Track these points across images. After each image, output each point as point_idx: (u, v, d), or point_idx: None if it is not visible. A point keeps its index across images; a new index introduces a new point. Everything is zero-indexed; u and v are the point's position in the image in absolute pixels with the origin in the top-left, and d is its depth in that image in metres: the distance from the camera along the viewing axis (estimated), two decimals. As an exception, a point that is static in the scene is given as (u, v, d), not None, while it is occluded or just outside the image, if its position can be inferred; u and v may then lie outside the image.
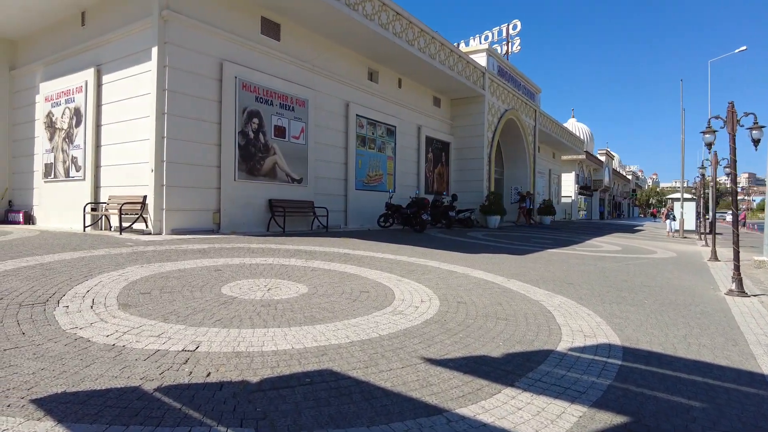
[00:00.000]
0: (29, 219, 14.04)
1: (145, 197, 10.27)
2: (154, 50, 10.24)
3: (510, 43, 32.30)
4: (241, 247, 8.65)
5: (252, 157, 12.02)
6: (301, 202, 13.36)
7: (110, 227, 11.37)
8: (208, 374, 3.06)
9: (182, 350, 3.43)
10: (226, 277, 5.92)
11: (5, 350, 3.35)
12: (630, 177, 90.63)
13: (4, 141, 15.01)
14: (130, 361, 3.22)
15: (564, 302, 5.73)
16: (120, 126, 11.19)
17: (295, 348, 3.57)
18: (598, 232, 23.16)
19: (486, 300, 5.55)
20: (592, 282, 7.38)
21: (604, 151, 58.56)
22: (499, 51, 27.21)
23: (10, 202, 15.07)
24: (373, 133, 16.87)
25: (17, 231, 11.18)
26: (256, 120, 12.10)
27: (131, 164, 10.86)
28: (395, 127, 18.16)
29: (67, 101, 12.45)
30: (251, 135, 11.99)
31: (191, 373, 3.07)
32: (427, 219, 15.16)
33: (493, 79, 22.83)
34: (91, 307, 4.36)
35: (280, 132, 12.84)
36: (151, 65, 10.32)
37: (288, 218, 12.64)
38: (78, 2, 12.02)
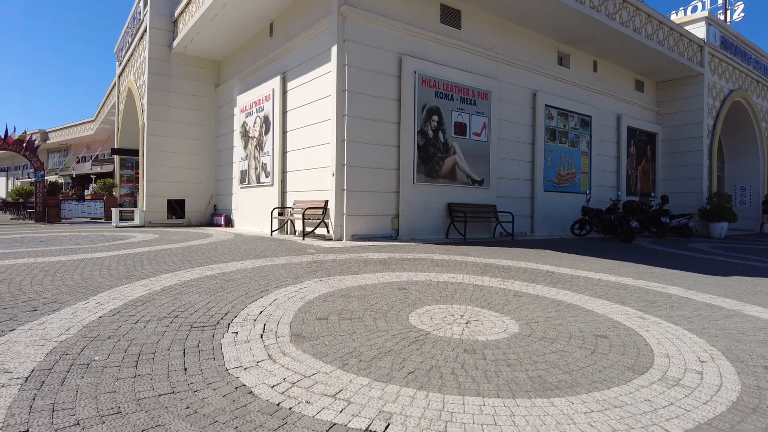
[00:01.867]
0: (229, 222, 15.26)
1: (326, 202, 9.99)
2: (334, 49, 9.90)
3: (729, 11, 26.51)
4: (423, 258, 7.61)
5: (431, 158, 11.05)
6: (482, 206, 11.99)
7: (294, 231, 11.47)
8: (407, 493, 1.87)
9: (366, 429, 2.32)
10: (413, 299, 4.84)
11: (160, 396, 2.64)
12: None
13: (212, 151, 16.67)
14: (296, 442, 2.21)
15: None
16: (303, 131, 11.20)
17: (537, 451, 2.21)
18: None
19: (813, 365, 3.47)
20: None
21: None
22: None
23: (215, 206, 16.68)
24: (564, 126, 14.69)
25: (216, 234, 11.97)
26: (435, 117, 11.10)
27: (314, 169, 10.75)
28: (590, 117, 15.63)
29: (257, 110, 13.07)
30: (430, 134, 11.03)
31: (381, 486, 1.91)
32: (636, 227, 12.47)
33: (715, 53, 18.50)
34: (261, 336, 3.60)
35: (461, 129, 11.65)
36: (331, 66, 10.00)
37: (468, 224, 11.38)
38: (267, 15, 12.49)
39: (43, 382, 2.75)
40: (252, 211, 13.68)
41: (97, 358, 3.12)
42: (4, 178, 48.09)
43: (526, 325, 4.14)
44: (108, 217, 19.73)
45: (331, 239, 9.89)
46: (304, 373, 2.95)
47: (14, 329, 3.66)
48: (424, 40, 11.12)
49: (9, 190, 32.57)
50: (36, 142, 23.64)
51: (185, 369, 3.00)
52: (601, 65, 16.36)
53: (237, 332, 3.67)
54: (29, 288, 5.06)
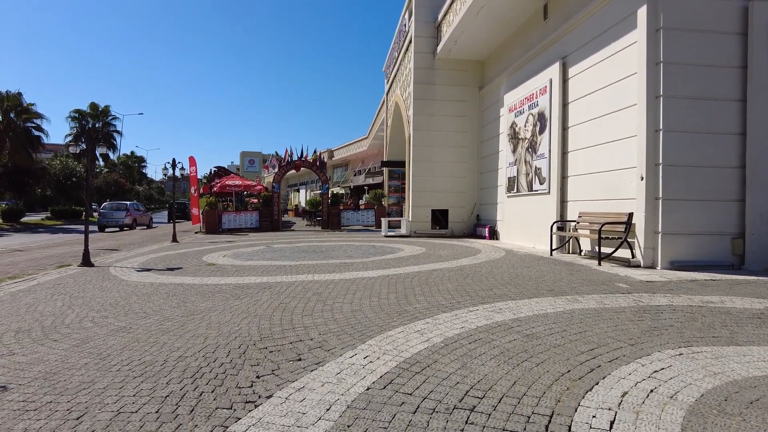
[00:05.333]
0: (493, 234, 13.90)
1: (630, 215, 7.54)
2: (642, 11, 7.44)
3: None
4: (837, 312, 4.59)
5: (802, 146, 7.42)
6: None
7: (579, 251, 9.28)
8: None
9: None
10: None
11: None
12: None
13: (474, 158, 15.67)
14: None
15: None
16: (592, 125, 8.94)
17: None
18: None
19: None
20: None
21: None
22: None
23: (478, 216, 15.60)
24: None
25: (484, 249, 10.66)
26: (807, 85, 7.42)
27: (607, 171, 8.40)
28: None
29: (529, 107, 11.31)
30: (800, 110, 7.42)
31: None
32: None
33: None
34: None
35: None
36: (638, 34, 7.54)
37: None
38: (540, -5, 10.66)
39: None
40: (521, 223, 11.97)
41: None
42: (304, 190, 58.34)
43: None
44: (378, 225, 20.84)
45: (638, 266, 7.39)
46: None
47: (271, 395, 2.77)
48: (782, -23, 7.57)
49: (306, 200, 38.81)
50: (324, 159, 27.13)
51: None
52: None
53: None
54: (299, 321, 4.42)
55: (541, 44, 10.96)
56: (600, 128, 8.67)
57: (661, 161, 7.19)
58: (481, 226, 14.73)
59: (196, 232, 19.58)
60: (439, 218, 15.71)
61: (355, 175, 43.07)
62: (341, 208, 22.58)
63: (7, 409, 2.64)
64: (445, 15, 14.25)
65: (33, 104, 29.68)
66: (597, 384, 2.84)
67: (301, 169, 23.07)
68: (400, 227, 16.04)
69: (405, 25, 17.58)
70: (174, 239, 14.55)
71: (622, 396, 2.67)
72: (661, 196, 7.18)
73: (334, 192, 26.29)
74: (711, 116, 7.33)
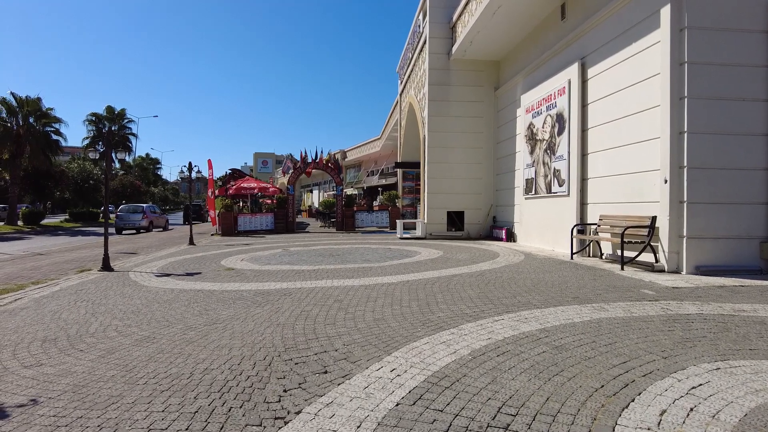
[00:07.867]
0: (510, 236, 13.77)
1: (653, 219, 7.40)
2: (665, 10, 7.29)
3: None
4: None
5: (830, 147, 7.21)
6: None
7: (600, 254, 9.13)
8: None
9: None
10: None
11: None
12: None
13: (490, 159, 15.54)
14: None
15: None
16: (613, 126, 8.80)
17: None
18: None
19: None
20: None
21: None
22: None
23: (494, 218, 15.47)
24: None
25: (502, 252, 10.55)
26: (838, 85, 7.21)
27: (629, 174, 8.25)
28: None
29: (547, 108, 11.16)
30: (829, 111, 7.20)
31: None
32: None
33: None
34: None
35: None
36: (661, 33, 7.39)
37: None
38: (558, -6, 10.51)
39: None
40: (539, 225, 11.83)
41: None
42: (317, 191, 58.58)
43: None
44: (392, 227, 20.84)
45: (662, 270, 7.24)
46: None
47: (300, 411, 2.74)
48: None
49: (320, 201, 38.92)
50: (338, 160, 27.20)
51: None
52: None
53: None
54: (322, 330, 4.40)
55: (559, 44, 10.81)
56: (621, 130, 8.53)
57: (685, 164, 7.03)
58: (498, 228, 14.61)
59: (212, 234, 19.70)
60: (455, 220, 15.61)
61: (368, 175, 43.07)
62: (355, 209, 22.58)
63: (39, 425, 2.64)
64: (460, 15, 14.15)
65: (52, 108, 30.08)
66: (633, 401, 2.76)
67: (315, 170, 23.09)
68: (415, 229, 15.97)
69: (419, 26, 17.50)
70: (191, 242, 14.65)
71: (661, 415, 2.59)
72: (686, 199, 7.03)
73: (348, 193, 26.28)
74: (737, 117, 7.16)
